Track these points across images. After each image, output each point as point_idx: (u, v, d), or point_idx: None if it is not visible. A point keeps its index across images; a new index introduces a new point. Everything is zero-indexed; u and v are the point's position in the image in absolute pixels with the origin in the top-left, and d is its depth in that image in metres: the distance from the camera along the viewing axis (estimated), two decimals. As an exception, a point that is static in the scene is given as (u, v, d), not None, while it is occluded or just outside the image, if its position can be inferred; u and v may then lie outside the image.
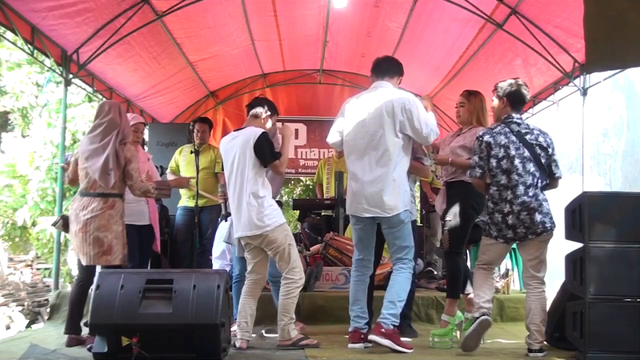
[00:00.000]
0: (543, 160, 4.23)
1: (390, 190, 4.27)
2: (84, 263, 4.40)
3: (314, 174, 8.60)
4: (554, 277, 4.87)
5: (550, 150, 4.27)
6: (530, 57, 6.78)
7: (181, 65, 7.98)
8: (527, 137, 4.24)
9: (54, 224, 4.72)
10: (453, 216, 4.69)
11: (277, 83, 9.70)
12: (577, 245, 4.23)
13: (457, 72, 8.06)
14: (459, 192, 4.71)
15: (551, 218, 4.21)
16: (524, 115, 7.93)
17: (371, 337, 4.20)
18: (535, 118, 7.91)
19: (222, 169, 6.66)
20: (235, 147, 4.47)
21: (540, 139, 4.26)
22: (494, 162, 4.24)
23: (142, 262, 5.33)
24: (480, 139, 4.31)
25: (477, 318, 4.20)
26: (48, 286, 11.23)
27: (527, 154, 4.20)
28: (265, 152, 4.42)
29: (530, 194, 4.15)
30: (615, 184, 7.32)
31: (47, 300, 9.70)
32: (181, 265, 6.37)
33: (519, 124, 4.30)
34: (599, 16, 3.81)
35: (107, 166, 4.36)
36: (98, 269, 4.32)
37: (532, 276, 4.27)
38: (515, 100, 4.38)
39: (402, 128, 4.31)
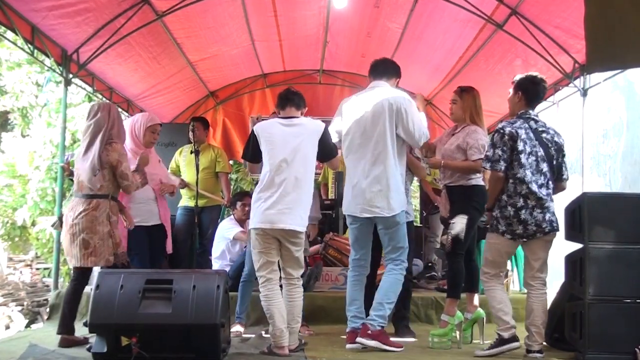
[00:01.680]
0: (555, 162, 4.17)
1: (388, 191, 4.26)
2: (71, 265, 4.46)
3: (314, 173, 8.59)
4: (554, 278, 4.87)
5: (564, 151, 4.23)
6: (531, 57, 6.77)
7: (181, 65, 7.97)
8: (544, 135, 4.16)
9: (53, 225, 4.79)
10: (457, 220, 4.68)
11: (277, 83, 9.67)
12: (577, 246, 4.24)
13: (457, 73, 8.05)
14: (461, 196, 4.70)
15: (557, 219, 4.17)
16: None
17: (358, 339, 4.17)
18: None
19: (223, 169, 6.75)
20: (294, 134, 4.24)
21: (556, 139, 4.19)
22: (513, 154, 4.12)
23: (153, 262, 5.16)
24: (502, 131, 4.14)
25: (507, 340, 4.11)
26: (47, 286, 11.20)
27: (541, 152, 4.12)
28: (332, 146, 4.40)
29: (544, 192, 4.10)
30: (615, 184, 7.32)
31: (46, 300, 9.69)
32: (181, 265, 6.37)
33: (536, 121, 4.21)
34: (600, 16, 3.81)
35: (94, 168, 4.38)
36: (97, 269, 4.35)
37: (535, 277, 4.21)
38: (531, 96, 4.28)
39: (396, 128, 4.31)
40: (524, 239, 4.18)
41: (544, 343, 4.30)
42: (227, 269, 5.86)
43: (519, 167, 4.11)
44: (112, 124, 4.51)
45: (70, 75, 6.44)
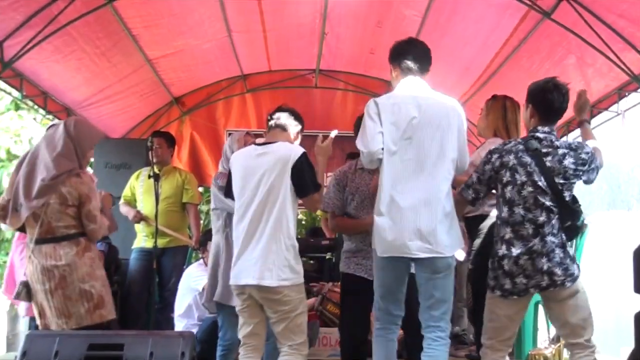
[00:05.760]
0: (567, 194, 4.03)
1: (450, 223, 4.16)
2: (69, 327, 4.36)
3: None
4: (622, 343, 4.86)
5: (580, 172, 4.07)
6: (587, 54, 6.82)
7: (137, 63, 8.01)
8: (547, 159, 4.02)
9: (19, 296, 4.55)
10: (476, 261, 4.66)
11: (260, 87, 9.74)
12: (651, 300, 4.23)
13: (492, 74, 8.12)
14: (482, 229, 4.72)
15: (567, 269, 3.98)
16: (577, 130, 8.03)
17: None
18: (594, 132, 7.94)
19: (192, 199, 6.74)
20: (262, 166, 4.31)
21: (568, 161, 4.03)
22: (499, 187, 4.12)
23: None
24: (489, 156, 4.17)
25: None
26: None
27: (542, 182, 3.99)
28: (307, 179, 4.32)
29: (544, 232, 4.00)
30: (699, 218, 7.33)
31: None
32: (135, 325, 6.34)
33: (540, 140, 4.08)
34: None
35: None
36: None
37: (569, 344, 4.19)
38: (541, 107, 4.18)
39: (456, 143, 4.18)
40: (516, 297, 4.08)
41: None
42: (195, 330, 5.83)
43: (504, 205, 4.08)
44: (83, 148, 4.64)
45: (-7, 77, 6.48)
